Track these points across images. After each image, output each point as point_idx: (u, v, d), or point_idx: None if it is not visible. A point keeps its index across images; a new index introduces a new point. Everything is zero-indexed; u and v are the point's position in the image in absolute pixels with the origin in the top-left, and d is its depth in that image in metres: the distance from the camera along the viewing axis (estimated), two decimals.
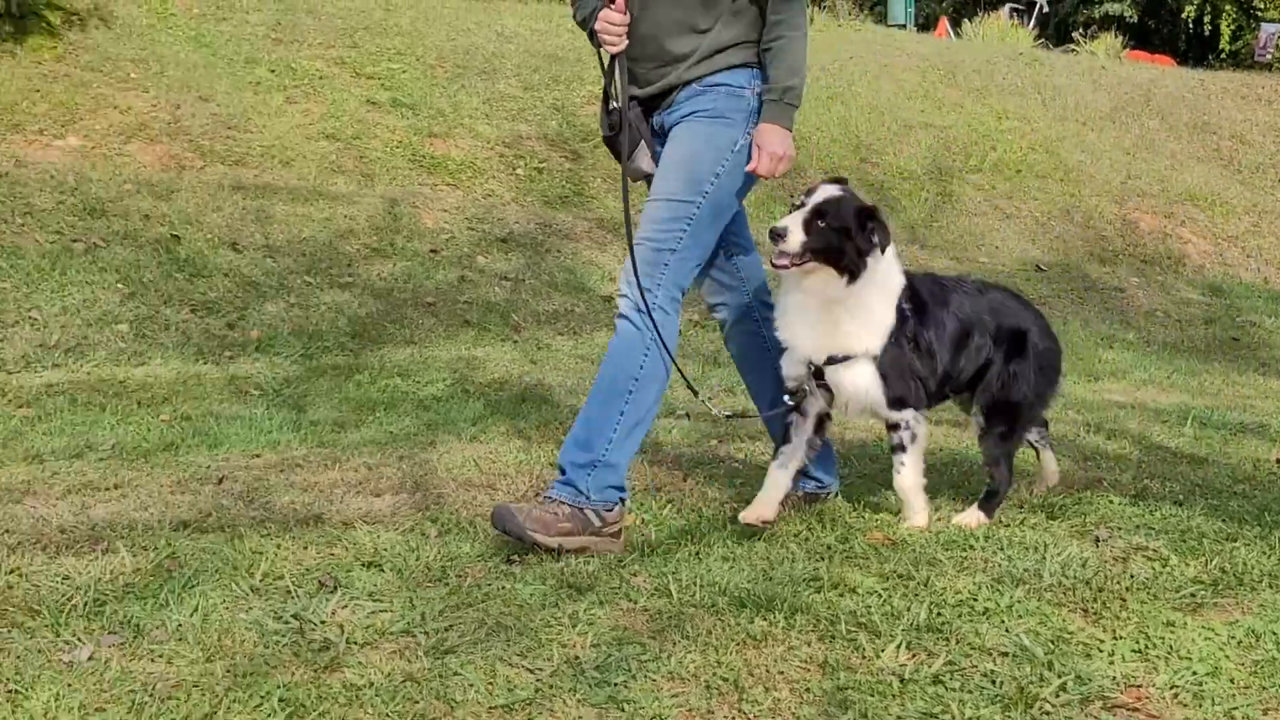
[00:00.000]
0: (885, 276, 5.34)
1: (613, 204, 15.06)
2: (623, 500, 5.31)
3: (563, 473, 5.27)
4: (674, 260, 5.23)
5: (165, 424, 8.09)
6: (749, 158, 5.30)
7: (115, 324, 10.06)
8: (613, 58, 5.37)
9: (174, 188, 12.46)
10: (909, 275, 5.49)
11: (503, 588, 4.73)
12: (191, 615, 4.41)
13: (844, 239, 5.18)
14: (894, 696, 3.84)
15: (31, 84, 13.76)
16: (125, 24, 15.60)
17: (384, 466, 6.62)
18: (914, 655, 4.10)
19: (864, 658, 4.09)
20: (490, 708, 3.75)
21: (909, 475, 5.50)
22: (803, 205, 5.24)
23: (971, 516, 5.63)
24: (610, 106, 5.43)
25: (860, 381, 5.35)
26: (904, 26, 29.86)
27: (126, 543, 5.17)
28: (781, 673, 3.98)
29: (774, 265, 5.26)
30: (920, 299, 5.45)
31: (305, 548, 5.14)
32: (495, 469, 6.56)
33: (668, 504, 5.81)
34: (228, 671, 3.95)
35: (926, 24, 33.91)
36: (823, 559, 5.02)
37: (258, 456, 7.14)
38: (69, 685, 3.82)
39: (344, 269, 11.95)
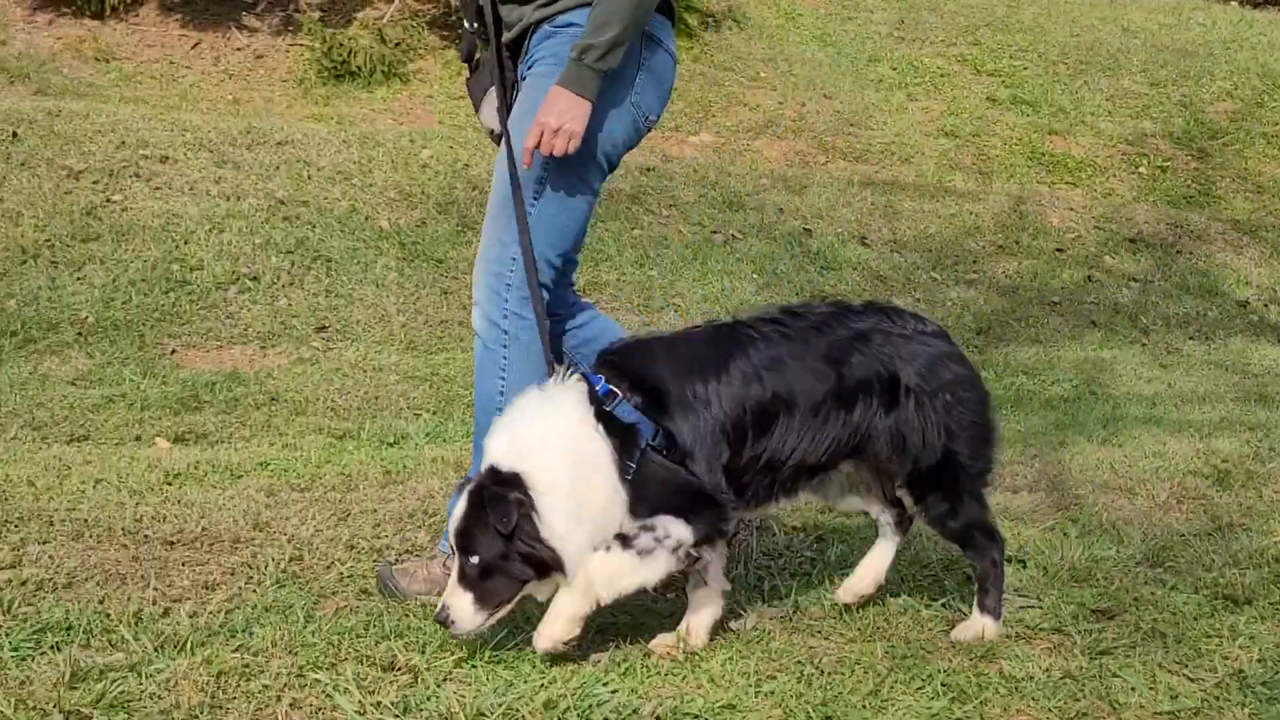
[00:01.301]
0: (558, 460, 3.85)
1: (1242, 204, 14.39)
2: None
3: None
4: (523, 253, 4.38)
5: None
6: (606, 117, 4.43)
7: None
8: None
9: (805, 183, 12.87)
10: (634, 356, 4.07)
11: (1153, 594, 4.65)
12: None
13: (509, 559, 3.82)
14: None
15: None
16: (756, 25, 16.24)
17: (1018, 464, 6.62)
18: None
19: None
20: (1155, 713, 3.70)
21: (576, 593, 3.92)
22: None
23: (974, 626, 4.28)
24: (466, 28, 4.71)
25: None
26: None
27: (778, 523, 5.40)
28: None
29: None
30: (657, 393, 3.96)
31: (936, 542, 5.16)
32: (1132, 474, 6.43)
33: None
34: (887, 653, 4.06)
35: None
36: None
37: None
38: (739, 651, 4.05)
39: (969, 266, 11.99)
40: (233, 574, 4.65)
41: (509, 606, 3.89)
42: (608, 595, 3.89)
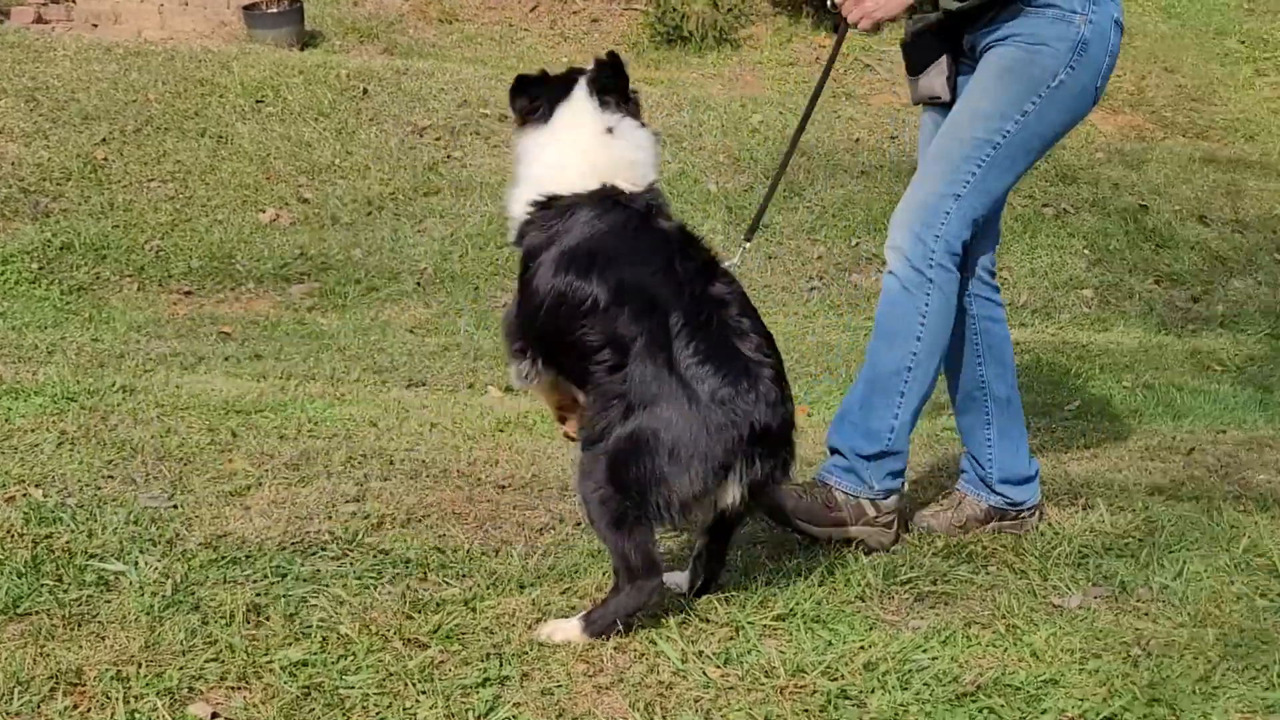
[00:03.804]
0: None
1: None
2: (903, 487, 4.82)
3: (841, 456, 4.73)
4: (956, 209, 4.49)
5: (1126, 390, 8.17)
6: (1069, 98, 4.54)
7: (1080, 289, 10.29)
8: None
9: (1143, 158, 12.51)
10: None
11: None
12: (1174, 579, 4.43)
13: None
14: None
15: None
16: None
17: None
18: None
19: None
20: None
21: None
22: None
23: (553, 624, 3.77)
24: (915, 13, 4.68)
25: None
26: None
27: (1105, 501, 5.28)
28: None
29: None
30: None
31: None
32: None
33: None
34: (1218, 639, 3.93)
35: None
36: None
37: (1223, 432, 7.05)
38: (1061, 628, 3.97)
39: None
40: (561, 520, 4.79)
41: None
42: None
